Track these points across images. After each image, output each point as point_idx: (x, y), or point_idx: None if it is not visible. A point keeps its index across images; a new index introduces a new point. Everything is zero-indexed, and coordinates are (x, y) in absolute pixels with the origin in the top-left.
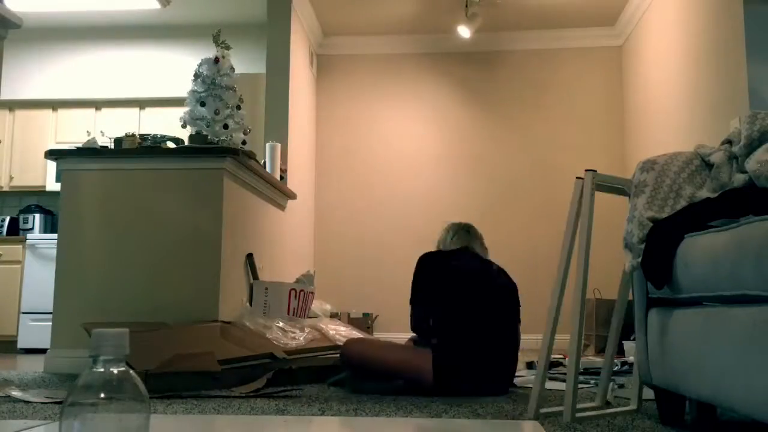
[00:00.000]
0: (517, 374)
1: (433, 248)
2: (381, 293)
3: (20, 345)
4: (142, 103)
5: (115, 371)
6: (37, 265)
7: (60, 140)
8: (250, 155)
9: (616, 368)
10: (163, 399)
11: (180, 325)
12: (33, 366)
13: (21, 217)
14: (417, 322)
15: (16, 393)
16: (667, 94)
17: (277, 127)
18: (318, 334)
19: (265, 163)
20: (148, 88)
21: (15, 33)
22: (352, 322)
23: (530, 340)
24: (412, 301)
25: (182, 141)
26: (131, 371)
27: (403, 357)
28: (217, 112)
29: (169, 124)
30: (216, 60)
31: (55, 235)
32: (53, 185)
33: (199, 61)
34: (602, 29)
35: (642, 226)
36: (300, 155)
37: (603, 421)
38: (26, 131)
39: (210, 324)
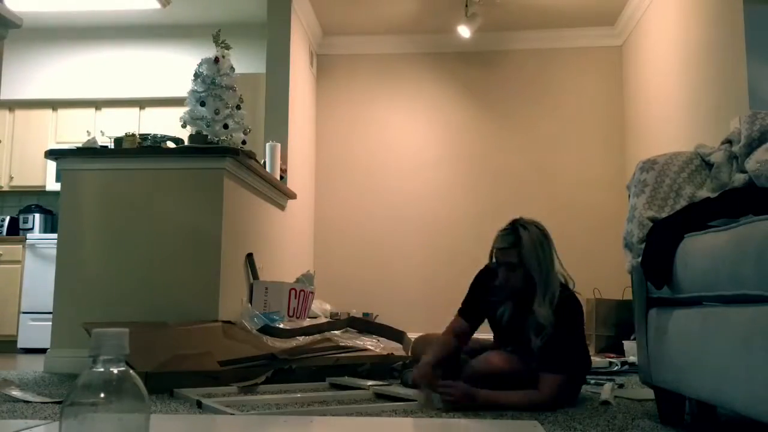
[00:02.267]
0: None
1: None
2: (381, 293)
3: (20, 345)
4: (142, 103)
5: (115, 371)
6: (37, 265)
7: (60, 140)
8: (250, 155)
9: (615, 368)
10: (164, 398)
11: (180, 325)
12: (33, 366)
13: (21, 217)
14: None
15: (16, 393)
16: (667, 93)
17: (277, 127)
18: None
19: (265, 163)
20: (148, 88)
21: (15, 33)
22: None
23: None
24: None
25: (182, 141)
26: (131, 371)
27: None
28: (217, 112)
29: (169, 124)
30: (216, 60)
31: (55, 235)
32: (53, 185)
33: (199, 61)
34: (602, 29)
35: (642, 226)
36: (300, 155)
37: (603, 421)
38: (26, 131)
39: (210, 324)
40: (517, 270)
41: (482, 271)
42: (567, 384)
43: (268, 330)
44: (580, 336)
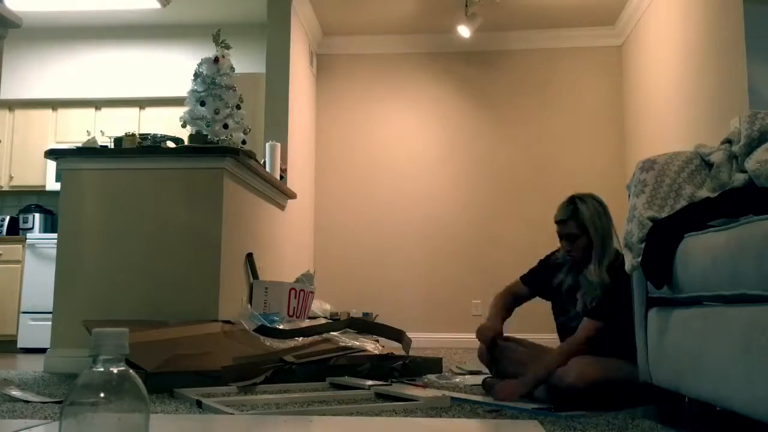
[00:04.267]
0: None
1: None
2: (381, 293)
3: (20, 345)
4: (142, 103)
5: (115, 371)
6: (37, 264)
7: (60, 140)
8: (250, 155)
9: None
10: (164, 398)
11: (180, 324)
12: (33, 366)
13: (21, 217)
14: None
15: (16, 393)
16: (667, 93)
17: (277, 127)
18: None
19: (265, 162)
20: (148, 88)
21: (15, 33)
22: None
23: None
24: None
25: (182, 141)
26: (131, 371)
27: None
28: (217, 112)
29: (169, 124)
30: (216, 60)
31: (55, 235)
32: (53, 185)
33: (199, 61)
34: (602, 29)
35: (642, 226)
36: (300, 155)
37: (603, 421)
38: (26, 131)
39: (210, 324)
40: (579, 240)
41: (550, 254)
42: (603, 332)
43: (264, 330)
44: (628, 301)
